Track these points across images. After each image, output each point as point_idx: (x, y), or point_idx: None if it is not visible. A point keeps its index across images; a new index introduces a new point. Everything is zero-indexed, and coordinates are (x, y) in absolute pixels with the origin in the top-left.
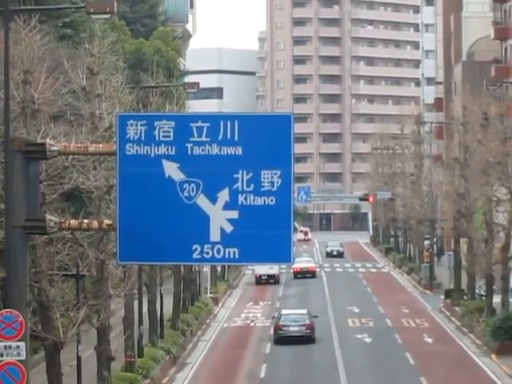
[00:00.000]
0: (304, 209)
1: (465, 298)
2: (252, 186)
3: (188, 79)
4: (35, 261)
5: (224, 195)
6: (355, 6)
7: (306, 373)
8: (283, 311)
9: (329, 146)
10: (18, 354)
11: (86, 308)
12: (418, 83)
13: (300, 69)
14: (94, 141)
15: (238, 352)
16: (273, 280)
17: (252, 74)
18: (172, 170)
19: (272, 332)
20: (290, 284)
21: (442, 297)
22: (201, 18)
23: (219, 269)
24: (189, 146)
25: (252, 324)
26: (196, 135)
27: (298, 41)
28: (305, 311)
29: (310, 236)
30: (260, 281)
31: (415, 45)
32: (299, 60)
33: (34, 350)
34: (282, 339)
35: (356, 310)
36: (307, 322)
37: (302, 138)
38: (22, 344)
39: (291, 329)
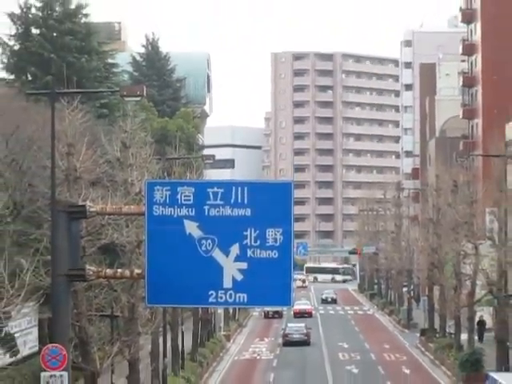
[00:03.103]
0: (302, 261)
1: (437, 335)
2: (259, 241)
3: (205, 152)
4: (76, 303)
5: (235, 249)
6: (346, 90)
7: None
8: (288, 324)
9: (323, 208)
10: (62, 382)
11: (119, 343)
12: (398, 156)
13: (299, 143)
14: (126, 203)
15: (246, 380)
16: (277, 315)
17: (259, 147)
18: (192, 228)
19: (281, 340)
20: (290, 323)
21: (418, 335)
22: (216, 100)
23: (231, 310)
24: (206, 208)
25: (258, 357)
26: (212, 199)
27: (298, 120)
28: (303, 324)
29: (307, 283)
30: (268, 315)
31: (396, 123)
32: (298, 136)
33: (74, 379)
34: (289, 342)
35: (345, 346)
36: (305, 331)
37: (300, 202)
38: (65, 373)
39: (294, 336)
